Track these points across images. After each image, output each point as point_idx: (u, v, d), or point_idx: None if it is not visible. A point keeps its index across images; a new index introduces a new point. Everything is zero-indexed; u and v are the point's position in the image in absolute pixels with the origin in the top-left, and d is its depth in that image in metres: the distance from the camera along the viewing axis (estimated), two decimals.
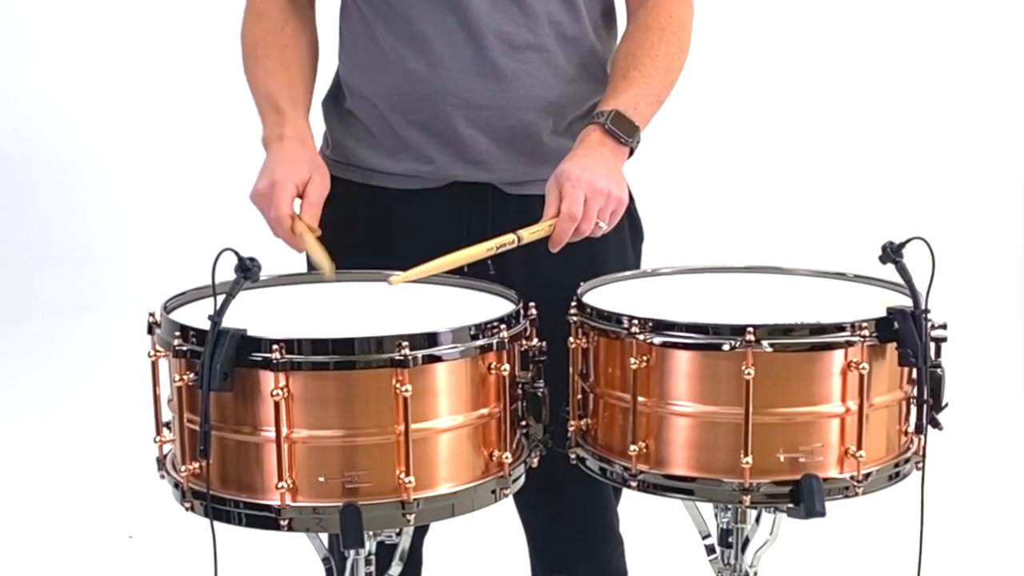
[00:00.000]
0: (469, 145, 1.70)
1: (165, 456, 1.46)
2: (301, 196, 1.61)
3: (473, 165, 1.71)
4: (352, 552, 1.48)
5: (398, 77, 1.70)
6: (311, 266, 1.80)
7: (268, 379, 1.29)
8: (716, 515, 1.61)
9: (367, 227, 1.75)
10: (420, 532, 1.89)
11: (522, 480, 1.47)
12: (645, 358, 1.42)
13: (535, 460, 1.50)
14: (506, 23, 1.67)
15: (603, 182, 1.57)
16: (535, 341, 1.48)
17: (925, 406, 1.45)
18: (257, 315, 1.41)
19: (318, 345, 1.30)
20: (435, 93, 1.68)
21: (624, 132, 1.63)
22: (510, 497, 1.47)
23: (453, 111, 1.68)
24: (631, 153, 1.66)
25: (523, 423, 1.48)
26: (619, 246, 1.82)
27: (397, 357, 1.29)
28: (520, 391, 1.46)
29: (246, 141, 1.85)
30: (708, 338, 1.39)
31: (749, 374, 1.36)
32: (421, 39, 1.68)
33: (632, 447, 1.44)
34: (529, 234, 1.56)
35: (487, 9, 1.66)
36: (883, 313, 1.42)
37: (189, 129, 5.13)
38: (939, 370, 1.45)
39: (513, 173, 1.72)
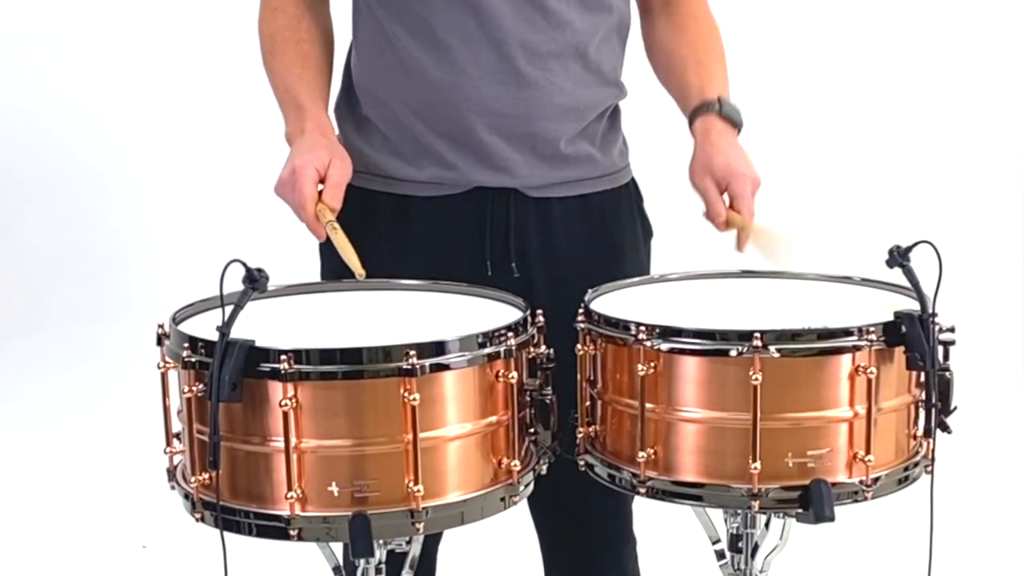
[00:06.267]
0: (491, 151, 1.71)
1: (175, 467, 1.47)
2: (323, 181, 1.62)
3: (496, 171, 1.72)
4: (362, 561, 1.49)
5: (419, 84, 1.70)
6: (328, 270, 1.80)
7: (277, 389, 1.30)
8: (726, 520, 1.61)
9: (388, 235, 1.76)
10: (434, 539, 1.89)
11: (531, 487, 1.47)
12: (652, 364, 1.42)
13: (544, 467, 1.50)
14: (529, 31, 1.68)
15: (754, 170, 1.69)
16: (543, 348, 1.49)
17: (934, 410, 1.45)
18: (265, 326, 1.41)
19: (326, 355, 1.30)
20: (457, 100, 1.69)
21: (737, 116, 1.75)
22: (523, 503, 1.47)
23: (475, 118, 1.69)
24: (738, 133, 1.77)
25: (531, 430, 1.48)
26: (634, 245, 1.86)
27: (405, 366, 1.29)
28: (528, 398, 1.46)
29: (260, 152, 1.87)
30: (715, 344, 1.39)
31: (757, 379, 1.36)
32: (443, 47, 1.68)
33: (640, 453, 1.44)
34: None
35: (510, 17, 1.67)
36: (891, 317, 1.42)
37: (196, 141, 5.15)
38: (947, 373, 1.45)
39: (534, 177, 1.74)
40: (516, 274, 1.70)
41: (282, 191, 1.63)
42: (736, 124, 1.76)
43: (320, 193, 1.61)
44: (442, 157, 1.72)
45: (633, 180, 1.87)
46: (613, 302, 1.58)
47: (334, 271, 1.71)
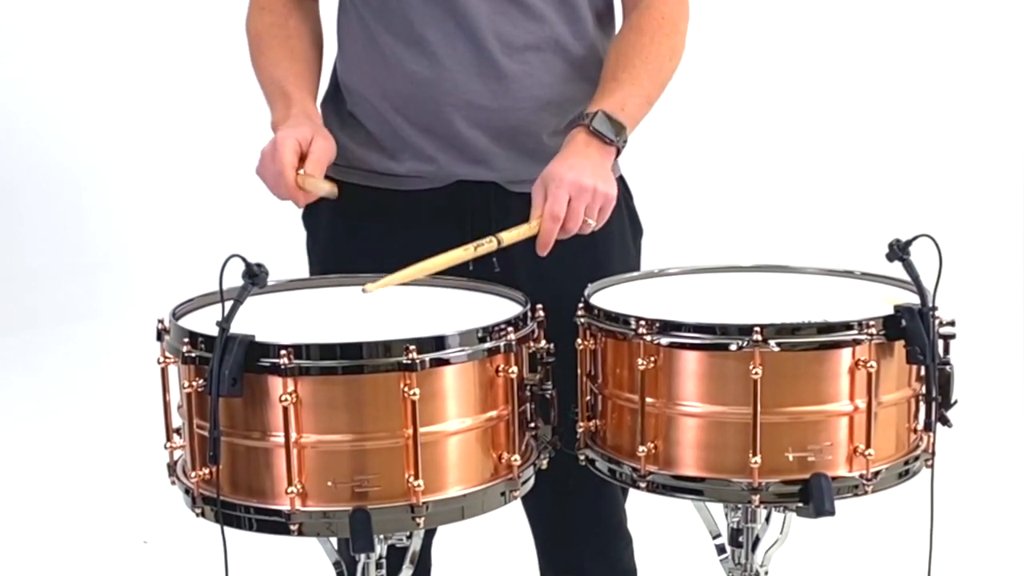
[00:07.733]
0: (470, 145, 1.71)
1: (176, 462, 1.47)
2: (304, 156, 1.60)
3: (476, 164, 1.72)
4: (362, 556, 1.49)
5: (398, 78, 1.70)
6: (312, 268, 1.80)
7: (277, 384, 1.30)
8: (726, 515, 1.61)
9: (371, 229, 1.76)
10: (428, 534, 1.89)
11: (531, 482, 1.47)
12: (653, 359, 1.42)
13: (544, 462, 1.50)
14: (505, 24, 1.68)
15: (589, 180, 1.58)
16: (543, 343, 1.48)
17: (934, 403, 1.45)
18: (265, 320, 1.41)
19: (326, 350, 1.30)
20: (436, 94, 1.69)
21: (609, 133, 1.63)
22: (518, 499, 1.47)
23: (454, 112, 1.69)
24: (618, 153, 1.66)
25: (532, 425, 1.48)
26: (621, 242, 1.84)
27: (405, 361, 1.29)
28: (528, 393, 1.46)
29: (252, 147, 1.86)
30: (715, 338, 1.40)
31: (757, 373, 1.36)
32: (421, 41, 1.69)
33: (641, 448, 1.44)
34: (509, 237, 1.58)
35: (486, 11, 1.67)
36: (891, 311, 1.42)
37: (194, 134, 5.12)
38: (948, 367, 1.45)
39: (515, 171, 1.73)
40: (497, 269, 1.68)
41: (262, 165, 1.61)
42: (606, 140, 1.63)
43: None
44: (422, 151, 1.72)
45: (622, 177, 1.85)
46: (613, 296, 1.58)
47: (321, 273, 1.72)
